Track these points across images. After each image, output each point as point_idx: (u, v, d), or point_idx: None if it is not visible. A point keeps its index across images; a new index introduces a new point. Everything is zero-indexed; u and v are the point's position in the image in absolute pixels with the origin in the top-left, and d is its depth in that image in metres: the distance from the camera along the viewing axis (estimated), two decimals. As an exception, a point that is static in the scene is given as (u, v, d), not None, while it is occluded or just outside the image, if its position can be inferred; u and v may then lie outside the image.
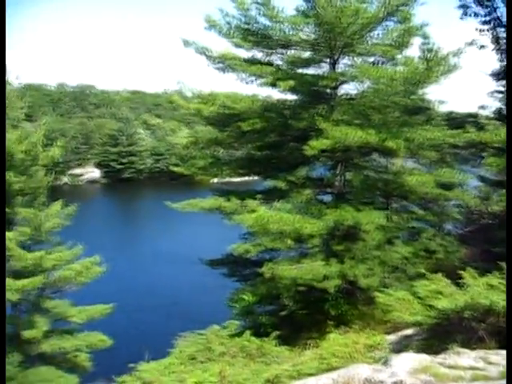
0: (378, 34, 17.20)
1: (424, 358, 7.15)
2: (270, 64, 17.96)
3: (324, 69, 17.92)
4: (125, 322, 37.12)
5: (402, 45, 17.27)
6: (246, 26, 17.38)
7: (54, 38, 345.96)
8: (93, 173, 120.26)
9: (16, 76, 23.08)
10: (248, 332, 13.71)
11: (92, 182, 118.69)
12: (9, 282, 18.91)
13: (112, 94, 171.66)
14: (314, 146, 14.89)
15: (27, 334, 19.61)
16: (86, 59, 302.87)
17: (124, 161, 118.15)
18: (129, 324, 38.97)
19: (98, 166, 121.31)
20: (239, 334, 14.34)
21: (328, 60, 17.63)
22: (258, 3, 16.43)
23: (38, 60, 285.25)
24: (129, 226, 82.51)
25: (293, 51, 18.12)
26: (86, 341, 21.08)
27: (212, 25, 17.39)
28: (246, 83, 17.70)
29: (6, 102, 20.19)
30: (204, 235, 63.79)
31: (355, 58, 17.71)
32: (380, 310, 14.20)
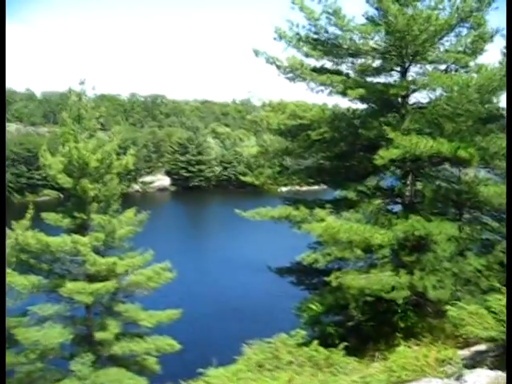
0: (450, 41, 16.88)
1: (499, 375, 6.96)
2: (339, 73, 17.91)
3: (394, 77, 17.73)
4: (191, 327, 37.68)
5: (475, 51, 16.87)
6: (316, 36, 17.42)
7: (126, 49, 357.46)
8: (163, 180, 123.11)
9: (92, 87, 24.13)
10: (316, 342, 13.65)
11: (162, 189, 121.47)
12: (83, 285, 19.64)
13: (182, 103, 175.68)
14: (384, 155, 14.75)
15: (99, 335, 20.21)
16: (157, 69, 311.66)
17: (193, 169, 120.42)
18: (195, 329, 39.57)
19: (168, 173, 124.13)
20: (307, 344, 14.29)
21: (398, 68, 17.43)
22: (328, 13, 16.42)
23: (112, 70, 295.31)
24: (197, 233, 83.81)
25: (362, 60, 18.00)
26: (155, 344, 21.42)
27: (281, 36, 17.53)
28: (316, 93, 17.73)
29: (83, 112, 20.99)
30: (271, 243, 63.98)
31: (426, 66, 17.42)
32: (451, 323, 13.84)
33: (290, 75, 17.82)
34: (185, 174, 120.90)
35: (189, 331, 36.03)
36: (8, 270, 20.07)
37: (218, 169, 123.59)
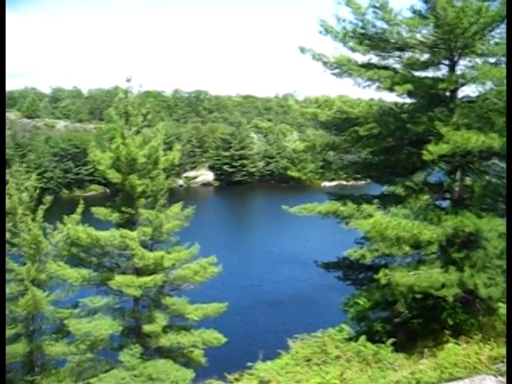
0: (501, 33, 16.47)
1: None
2: (385, 68, 17.72)
3: (442, 71, 17.41)
4: (236, 320, 38.00)
5: (526, 43, 16.41)
6: (362, 30, 17.26)
7: (170, 45, 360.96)
8: (206, 175, 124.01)
9: (139, 84, 24.50)
10: (363, 337, 13.63)
11: (205, 184, 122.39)
12: (131, 278, 20.06)
13: (225, 98, 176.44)
14: (433, 150, 14.55)
15: (147, 328, 20.61)
16: (200, 65, 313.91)
17: (236, 164, 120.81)
18: (240, 322, 39.90)
19: (211, 168, 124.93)
20: (354, 339, 14.29)
21: (446, 62, 17.11)
22: (375, 7, 16.26)
23: (156, 67, 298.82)
24: (241, 228, 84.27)
25: (409, 54, 17.74)
26: (201, 337, 21.67)
27: (327, 30, 17.44)
28: (363, 88, 17.58)
29: (130, 108, 21.35)
30: (315, 237, 64.00)
31: (476, 59, 17.05)
32: (501, 321, 13.61)
33: (337, 71, 17.73)
34: (228, 169, 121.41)
35: (234, 324, 36.38)
36: (60, 263, 20.71)
37: (260, 164, 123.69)
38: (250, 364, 13.64)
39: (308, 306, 44.54)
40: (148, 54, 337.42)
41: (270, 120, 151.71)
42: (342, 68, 17.49)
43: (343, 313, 18.83)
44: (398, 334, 15.69)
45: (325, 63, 17.64)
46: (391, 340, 13.57)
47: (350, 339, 14.68)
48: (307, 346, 13.76)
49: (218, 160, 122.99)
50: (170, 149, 22.59)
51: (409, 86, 15.71)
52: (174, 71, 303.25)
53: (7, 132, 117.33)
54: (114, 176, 20.73)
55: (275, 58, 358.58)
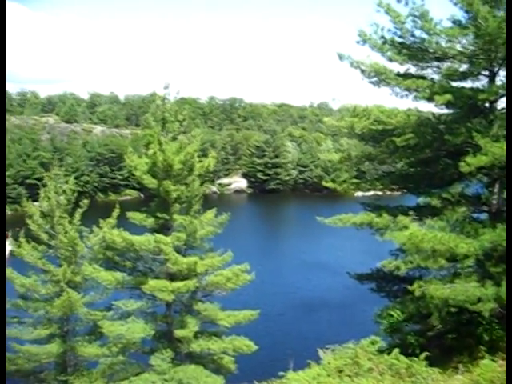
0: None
1: None
2: (423, 78, 17.53)
3: (482, 81, 17.13)
4: (267, 328, 37.92)
5: None
6: (401, 40, 17.13)
7: (206, 53, 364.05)
8: (240, 183, 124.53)
9: (176, 91, 24.76)
10: (396, 350, 13.42)
11: (239, 191, 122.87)
12: (164, 283, 20.20)
13: (259, 106, 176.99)
14: (471, 162, 14.31)
15: (179, 333, 20.69)
16: (236, 73, 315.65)
17: (269, 172, 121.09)
18: (270, 329, 39.83)
19: (245, 176, 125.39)
20: (387, 351, 14.09)
21: (486, 72, 16.83)
22: (414, 16, 16.11)
23: (192, 74, 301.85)
24: (273, 235, 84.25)
25: (448, 64, 17.51)
26: (232, 344, 21.64)
27: (365, 39, 17.35)
28: (401, 97, 17.43)
29: (167, 115, 21.55)
30: (348, 247, 63.67)
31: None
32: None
33: (375, 80, 17.60)
34: (261, 177, 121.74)
35: (264, 331, 36.32)
36: (95, 266, 21.00)
37: (294, 172, 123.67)
38: (280, 373, 13.59)
39: (339, 315, 44.34)
40: (185, 60, 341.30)
41: (304, 129, 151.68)
42: (379, 77, 17.35)
43: (375, 324, 18.59)
44: (431, 348, 15.41)
45: (363, 71, 17.53)
46: (425, 354, 13.33)
47: (382, 351, 14.47)
48: (339, 357, 13.62)
49: (251, 167, 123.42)
50: (205, 155, 22.68)
51: (448, 97, 15.48)
52: (209, 78, 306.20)
53: (46, 136, 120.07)
54: (150, 181, 20.93)
55: (311, 67, 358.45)
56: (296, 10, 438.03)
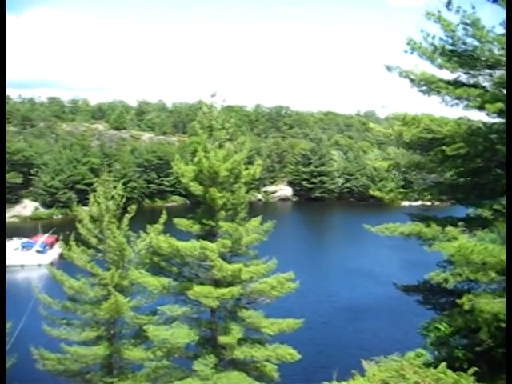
0: None
1: None
2: (474, 86, 17.19)
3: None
4: (311, 335, 37.71)
5: None
6: (452, 48, 16.86)
7: (253, 60, 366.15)
8: (285, 191, 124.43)
9: (223, 99, 25.01)
10: (443, 364, 13.11)
11: (284, 199, 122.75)
12: (209, 289, 20.30)
13: (306, 114, 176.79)
14: (524, 173, 13.91)
15: (223, 339, 20.69)
16: (282, 81, 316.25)
17: (315, 180, 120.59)
18: (314, 337, 39.62)
19: (290, 184, 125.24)
20: (434, 365, 13.78)
21: (540, 80, 16.39)
22: (466, 24, 15.85)
23: (238, 82, 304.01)
24: (318, 243, 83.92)
25: (501, 72, 17.12)
26: (275, 352, 21.49)
27: (414, 47, 17.16)
28: (451, 106, 17.14)
29: (214, 123, 21.71)
30: (393, 257, 62.91)
31: None
32: None
33: (424, 88, 17.38)
34: (307, 185, 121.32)
35: (308, 339, 36.13)
36: (142, 271, 21.31)
37: (340, 181, 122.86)
38: (324, 383, 13.48)
39: (384, 326, 43.83)
40: (232, 68, 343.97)
41: (350, 137, 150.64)
42: (429, 86, 17.12)
43: (421, 336, 18.24)
44: (479, 364, 15.01)
45: (412, 80, 17.34)
46: (473, 369, 12.98)
47: (429, 365, 14.17)
48: (384, 369, 13.39)
49: (297, 175, 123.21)
50: (250, 163, 22.72)
51: (500, 105, 15.15)
52: (256, 86, 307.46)
53: (96, 142, 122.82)
54: (197, 188, 21.11)
55: (358, 75, 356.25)
56: (343, 17, 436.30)
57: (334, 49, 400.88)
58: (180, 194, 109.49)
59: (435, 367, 13.33)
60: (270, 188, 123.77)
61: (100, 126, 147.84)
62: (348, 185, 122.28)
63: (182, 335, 20.35)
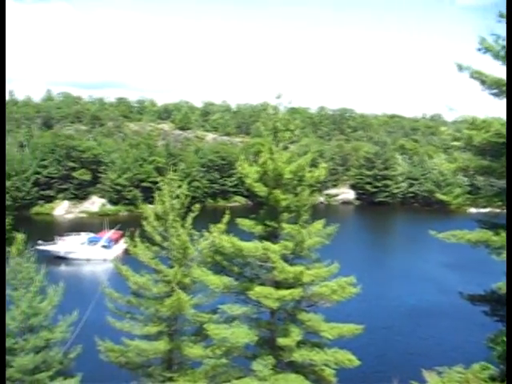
0: None
1: None
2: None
3: None
4: (370, 340, 37.18)
5: None
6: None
7: (317, 63, 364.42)
8: (347, 194, 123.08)
9: (288, 101, 25.06)
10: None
11: (346, 202, 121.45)
12: (270, 290, 20.31)
13: (370, 117, 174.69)
14: None
15: (282, 341, 20.62)
16: (347, 83, 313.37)
17: (378, 184, 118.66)
18: (374, 342, 39.07)
19: (353, 187, 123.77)
20: (499, 379, 13.31)
21: None
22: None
23: (302, 84, 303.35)
24: (380, 248, 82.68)
25: None
26: (334, 357, 21.24)
27: (487, 47, 16.65)
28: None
29: (278, 124, 21.71)
30: (458, 265, 61.31)
31: None
32: None
33: (496, 91, 16.83)
34: (370, 189, 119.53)
35: (367, 343, 35.65)
36: (204, 269, 21.57)
37: (404, 185, 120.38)
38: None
39: (446, 334, 42.83)
40: (296, 70, 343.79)
41: (415, 141, 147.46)
42: (501, 88, 16.55)
43: (487, 349, 17.64)
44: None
45: (483, 82, 16.82)
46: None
47: (494, 379, 13.73)
48: (447, 381, 13.07)
49: (360, 179, 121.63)
50: (314, 165, 22.58)
51: None
52: (320, 88, 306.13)
53: (161, 142, 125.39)
54: (260, 189, 21.16)
55: (424, 77, 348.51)
56: (411, 18, 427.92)
57: (401, 50, 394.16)
58: (242, 195, 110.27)
59: (501, 381, 12.91)
60: (333, 191, 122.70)
61: (166, 126, 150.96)
62: (412, 189, 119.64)
63: (242, 335, 20.46)
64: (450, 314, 45.49)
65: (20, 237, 23.12)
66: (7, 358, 22.13)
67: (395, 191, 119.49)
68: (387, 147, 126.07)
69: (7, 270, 22.45)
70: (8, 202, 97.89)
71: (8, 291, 22.45)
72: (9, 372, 21.78)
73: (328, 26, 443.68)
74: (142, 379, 23.86)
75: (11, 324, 22.08)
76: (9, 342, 22.11)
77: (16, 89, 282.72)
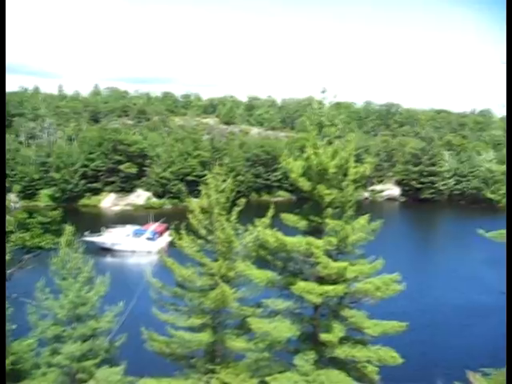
0: None
1: None
2: None
3: None
4: (413, 338, 36.71)
5: None
6: None
7: (363, 57, 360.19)
8: (392, 190, 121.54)
9: (334, 95, 24.95)
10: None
11: (391, 199, 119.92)
12: (313, 286, 20.33)
13: (417, 112, 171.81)
14: None
15: (324, 336, 20.62)
16: (394, 78, 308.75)
17: (424, 180, 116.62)
18: (417, 340, 38.63)
19: (398, 183, 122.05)
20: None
21: None
22: None
23: (349, 78, 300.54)
24: (425, 245, 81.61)
25: None
26: (377, 354, 21.13)
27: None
28: None
29: (323, 119, 21.61)
30: (503, 264, 59.86)
31: None
32: None
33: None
34: (416, 185, 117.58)
35: (410, 341, 35.19)
36: (248, 263, 21.74)
37: (451, 182, 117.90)
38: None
39: (492, 335, 41.80)
40: (342, 64, 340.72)
41: (464, 137, 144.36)
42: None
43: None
44: None
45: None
46: None
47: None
48: (493, 383, 12.84)
49: (405, 175, 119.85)
50: (359, 161, 22.37)
51: None
52: (367, 83, 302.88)
53: (206, 136, 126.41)
54: (305, 184, 21.13)
55: (473, 72, 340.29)
56: (459, 14, 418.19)
57: (451, 45, 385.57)
58: (286, 190, 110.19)
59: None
60: (378, 187, 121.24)
61: (211, 121, 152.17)
62: (459, 186, 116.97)
63: (284, 329, 20.56)
64: (496, 314, 44.53)
65: (69, 228, 23.77)
66: (56, 345, 22.90)
67: (441, 188, 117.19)
68: (434, 143, 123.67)
69: (55, 259, 23.17)
70: (57, 194, 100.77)
71: (57, 281, 23.17)
72: (57, 359, 22.50)
73: (375, 23, 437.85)
74: (185, 370, 24.19)
75: (60, 313, 22.77)
76: (57, 330, 22.89)
77: (65, 84, 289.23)
